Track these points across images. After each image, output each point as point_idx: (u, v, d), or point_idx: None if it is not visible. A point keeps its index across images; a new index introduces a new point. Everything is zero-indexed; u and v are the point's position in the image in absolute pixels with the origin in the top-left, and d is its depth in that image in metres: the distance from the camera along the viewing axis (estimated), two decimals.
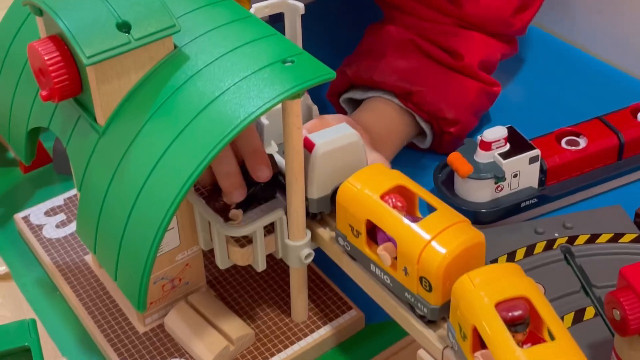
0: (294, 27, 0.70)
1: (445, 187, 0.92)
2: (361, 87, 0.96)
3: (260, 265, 0.74)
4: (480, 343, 0.59)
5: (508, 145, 0.89)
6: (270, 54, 0.65)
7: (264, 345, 0.77)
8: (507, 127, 0.90)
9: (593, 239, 0.87)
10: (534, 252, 0.86)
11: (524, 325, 0.58)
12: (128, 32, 0.63)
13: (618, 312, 0.69)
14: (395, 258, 0.65)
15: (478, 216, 0.89)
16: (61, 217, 0.90)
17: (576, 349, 0.56)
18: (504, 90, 1.05)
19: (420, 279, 0.63)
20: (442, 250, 0.62)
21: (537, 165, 0.90)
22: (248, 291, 0.82)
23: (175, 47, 0.67)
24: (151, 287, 0.76)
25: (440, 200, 0.66)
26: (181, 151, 0.62)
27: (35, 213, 0.90)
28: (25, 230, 0.89)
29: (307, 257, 0.74)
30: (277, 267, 0.84)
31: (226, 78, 0.64)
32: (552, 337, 0.57)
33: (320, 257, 0.82)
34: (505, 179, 0.88)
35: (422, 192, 0.67)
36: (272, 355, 0.76)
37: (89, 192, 0.67)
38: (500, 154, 0.88)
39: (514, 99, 1.07)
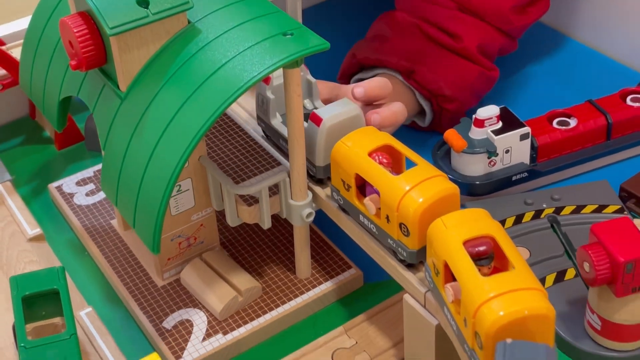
0: (294, 4, 0.78)
1: (443, 163, 0.99)
2: (369, 68, 1.04)
3: (266, 223, 0.82)
4: (451, 277, 0.67)
5: (501, 123, 0.96)
6: (272, 28, 0.73)
7: (270, 297, 0.85)
8: (501, 108, 0.97)
9: (579, 209, 0.93)
10: (522, 221, 0.92)
11: (489, 259, 0.66)
12: (147, 7, 0.72)
13: (588, 265, 0.76)
14: (380, 208, 0.73)
15: (472, 188, 0.96)
16: (91, 186, 0.99)
17: (533, 277, 0.63)
18: (502, 79, 1.13)
19: (400, 225, 0.71)
20: (419, 199, 0.69)
21: (528, 142, 0.97)
22: (257, 252, 0.90)
23: (189, 22, 0.75)
24: (168, 243, 0.84)
25: (421, 158, 0.74)
26: (191, 111, 0.71)
27: (68, 183, 0.99)
28: (58, 197, 0.97)
29: (308, 216, 0.82)
30: (284, 230, 0.92)
31: (232, 48, 0.72)
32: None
33: (324, 222, 0.90)
34: (498, 154, 0.95)
35: (406, 151, 0.75)
36: (277, 306, 0.84)
37: (112, 150, 0.76)
38: (492, 131, 0.95)
39: (511, 86, 1.14)
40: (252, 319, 0.83)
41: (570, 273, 0.87)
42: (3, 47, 1.02)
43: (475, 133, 0.95)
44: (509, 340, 0.58)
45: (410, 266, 0.73)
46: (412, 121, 1.06)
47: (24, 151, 1.07)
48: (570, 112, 1.01)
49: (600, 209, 0.93)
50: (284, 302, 0.85)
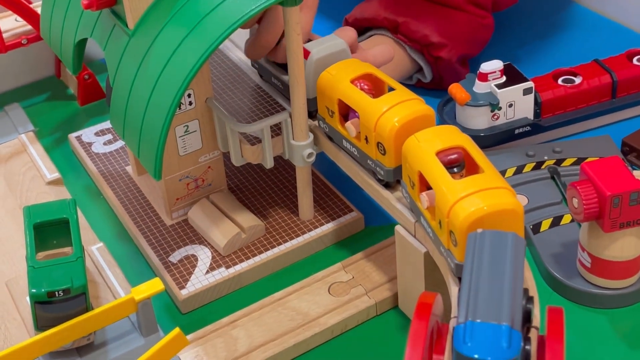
0: None
1: (449, 118, 1.01)
2: (361, 32, 1.07)
3: (269, 162, 0.85)
4: (425, 187, 0.71)
5: (504, 78, 0.98)
6: None
7: (272, 236, 0.88)
8: (506, 64, 0.99)
9: (580, 162, 0.95)
10: (523, 171, 0.95)
11: (460, 167, 0.70)
12: None
13: (576, 200, 0.78)
14: (360, 132, 0.77)
15: (475, 141, 0.97)
16: (108, 137, 1.03)
17: (502, 179, 0.67)
18: (511, 40, 1.15)
19: (378, 144, 0.75)
20: (394, 118, 0.74)
21: (531, 97, 0.99)
22: (263, 195, 0.93)
23: None
24: (177, 183, 0.88)
25: (401, 85, 0.78)
26: (191, 44, 0.74)
27: (87, 133, 1.04)
28: (77, 146, 1.02)
29: (309, 156, 0.85)
30: (290, 177, 0.95)
31: None
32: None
33: (327, 169, 0.93)
34: (501, 107, 0.98)
35: (387, 79, 0.79)
36: (279, 244, 0.87)
37: (120, 85, 0.80)
38: (496, 85, 0.97)
39: (519, 49, 1.17)
40: (254, 255, 0.86)
41: (567, 218, 0.88)
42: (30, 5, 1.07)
43: (479, 87, 0.98)
44: (479, 230, 0.62)
45: (388, 187, 0.78)
46: (418, 80, 1.09)
47: (48, 106, 1.12)
48: (576, 71, 1.03)
49: None
50: (285, 241, 0.88)
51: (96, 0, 0.78)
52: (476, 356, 0.54)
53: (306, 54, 0.81)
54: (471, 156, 0.69)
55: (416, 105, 0.74)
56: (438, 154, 0.69)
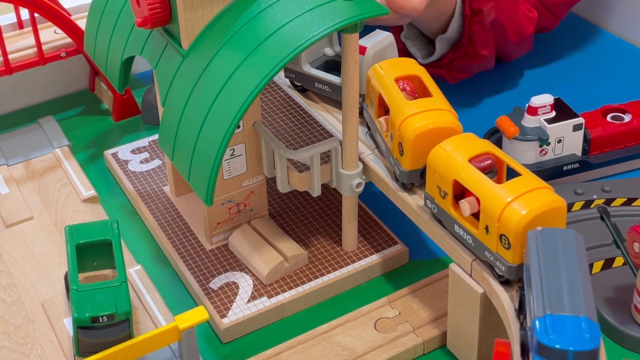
0: None
1: None
2: None
3: (316, 191, 0.83)
4: (460, 196, 0.72)
5: (554, 113, 0.96)
6: None
7: (315, 266, 0.86)
8: (555, 98, 0.97)
9: (629, 202, 0.93)
10: (572, 210, 0.92)
11: (493, 173, 0.72)
12: None
13: (637, 245, 0.76)
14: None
15: None
16: (145, 155, 1.01)
17: (539, 180, 0.70)
18: (556, 76, 1.13)
19: (399, 144, 0.77)
20: (417, 124, 0.75)
21: (580, 133, 0.96)
22: (305, 223, 0.91)
23: None
24: (219, 208, 0.86)
25: (439, 92, 0.80)
26: (250, 67, 0.72)
27: (123, 151, 1.01)
28: (113, 163, 1.00)
29: (357, 186, 0.83)
30: (332, 205, 0.93)
31: (294, 10, 0.74)
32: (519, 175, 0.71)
33: (372, 200, 0.91)
34: (550, 143, 0.95)
35: (431, 85, 0.80)
36: (322, 275, 0.85)
37: (171, 106, 0.77)
38: (545, 120, 0.95)
39: (564, 85, 1.15)
40: (297, 285, 0.84)
41: (619, 261, 0.86)
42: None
43: (528, 121, 0.96)
44: (538, 228, 0.65)
45: (403, 185, 0.80)
46: (449, 63, 1.07)
47: (82, 121, 1.10)
48: (624, 108, 1.01)
49: None
50: (329, 272, 0.85)
51: (150, 19, 0.76)
52: (558, 346, 0.56)
53: (362, 50, 0.83)
54: (501, 159, 0.72)
55: (443, 116, 0.76)
56: (470, 160, 0.71)
